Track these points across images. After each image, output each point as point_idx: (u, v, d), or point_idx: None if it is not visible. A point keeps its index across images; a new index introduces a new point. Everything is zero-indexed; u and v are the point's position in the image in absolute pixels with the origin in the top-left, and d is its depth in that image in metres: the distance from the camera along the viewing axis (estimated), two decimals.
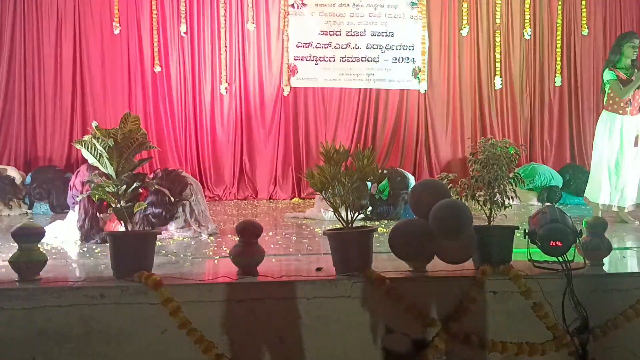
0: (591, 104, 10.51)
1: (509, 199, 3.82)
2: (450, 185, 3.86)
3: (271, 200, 9.89)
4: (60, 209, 7.96)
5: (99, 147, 3.43)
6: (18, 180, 8.48)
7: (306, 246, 5.20)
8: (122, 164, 3.48)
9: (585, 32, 10.48)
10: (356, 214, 3.62)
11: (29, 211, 8.28)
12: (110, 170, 3.48)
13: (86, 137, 3.47)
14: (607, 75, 6.74)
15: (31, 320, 3.22)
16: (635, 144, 6.62)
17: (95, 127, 3.49)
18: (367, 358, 3.44)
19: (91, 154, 3.45)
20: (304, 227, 6.55)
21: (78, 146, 3.50)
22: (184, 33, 9.89)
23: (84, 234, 5.32)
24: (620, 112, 6.68)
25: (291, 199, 9.86)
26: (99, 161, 3.47)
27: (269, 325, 3.37)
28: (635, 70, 6.68)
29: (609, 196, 6.68)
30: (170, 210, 5.63)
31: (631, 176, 6.65)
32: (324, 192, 3.58)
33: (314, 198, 8.50)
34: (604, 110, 6.84)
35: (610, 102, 6.73)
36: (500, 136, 10.03)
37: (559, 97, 10.61)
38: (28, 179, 8.51)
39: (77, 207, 5.45)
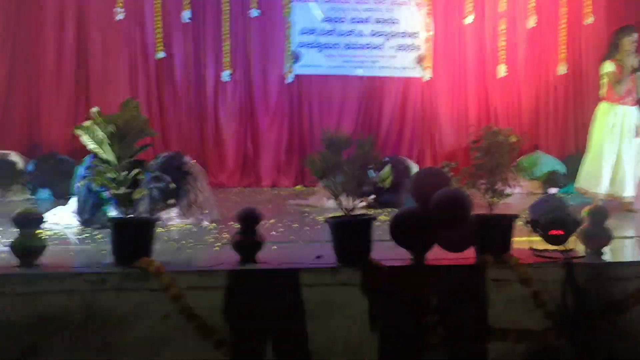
0: (595, 93, 10.40)
1: (510, 187, 3.81)
2: (452, 173, 3.85)
3: (274, 187, 9.88)
4: (62, 195, 7.95)
5: (99, 133, 3.42)
6: (20, 165, 8.48)
7: (308, 234, 5.21)
8: (123, 150, 3.47)
9: (589, 20, 10.39)
10: (357, 201, 3.61)
11: (32, 197, 8.30)
12: (110, 156, 3.47)
13: (87, 123, 3.46)
14: (608, 66, 6.76)
15: (32, 305, 3.23)
16: (637, 135, 6.63)
17: (97, 112, 3.48)
18: (367, 345, 3.45)
19: (92, 139, 3.45)
20: (306, 214, 6.55)
21: (78, 132, 3.49)
22: (188, 19, 9.84)
23: (84, 220, 5.32)
24: (620, 102, 6.69)
25: (294, 187, 9.84)
26: (99, 147, 3.46)
27: (269, 312, 3.37)
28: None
29: (609, 186, 6.68)
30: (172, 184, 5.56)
31: (630, 166, 6.64)
32: (324, 179, 3.57)
33: (317, 185, 8.48)
34: (603, 101, 6.85)
35: (611, 93, 6.72)
36: (504, 124, 9.98)
37: (563, 86, 10.53)
38: (30, 165, 8.51)
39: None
